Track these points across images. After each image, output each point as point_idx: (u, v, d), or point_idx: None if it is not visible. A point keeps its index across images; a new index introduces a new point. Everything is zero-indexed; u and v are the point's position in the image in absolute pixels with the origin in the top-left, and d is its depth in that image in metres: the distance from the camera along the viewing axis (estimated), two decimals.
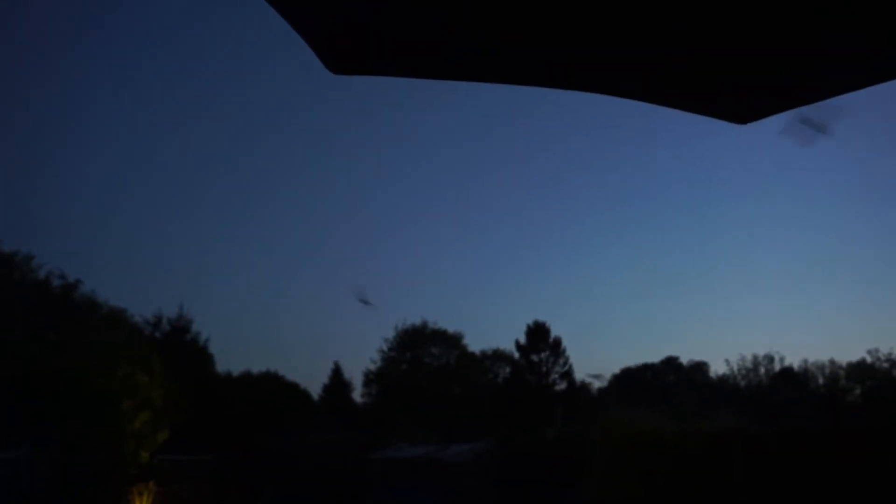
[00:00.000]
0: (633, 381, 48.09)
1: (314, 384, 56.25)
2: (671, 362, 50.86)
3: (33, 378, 19.97)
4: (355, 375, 49.11)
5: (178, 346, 36.78)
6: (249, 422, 31.74)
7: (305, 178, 56.48)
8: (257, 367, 43.03)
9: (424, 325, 46.58)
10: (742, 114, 2.35)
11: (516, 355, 43.73)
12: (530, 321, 43.49)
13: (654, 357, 53.42)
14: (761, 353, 45.59)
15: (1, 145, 47.26)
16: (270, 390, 38.34)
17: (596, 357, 63.19)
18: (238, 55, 51.55)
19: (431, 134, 57.42)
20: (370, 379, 45.99)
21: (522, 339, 42.98)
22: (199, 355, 38.42)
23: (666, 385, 47.47)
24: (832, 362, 44.96)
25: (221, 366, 41.13)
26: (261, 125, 53.93)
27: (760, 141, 44.36)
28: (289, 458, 23.84)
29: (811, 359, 46.11)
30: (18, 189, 47.82)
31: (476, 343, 58.69)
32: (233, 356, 69.04)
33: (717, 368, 50.68)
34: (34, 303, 33.83)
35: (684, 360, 51.28)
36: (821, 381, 45.08)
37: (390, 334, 46.55)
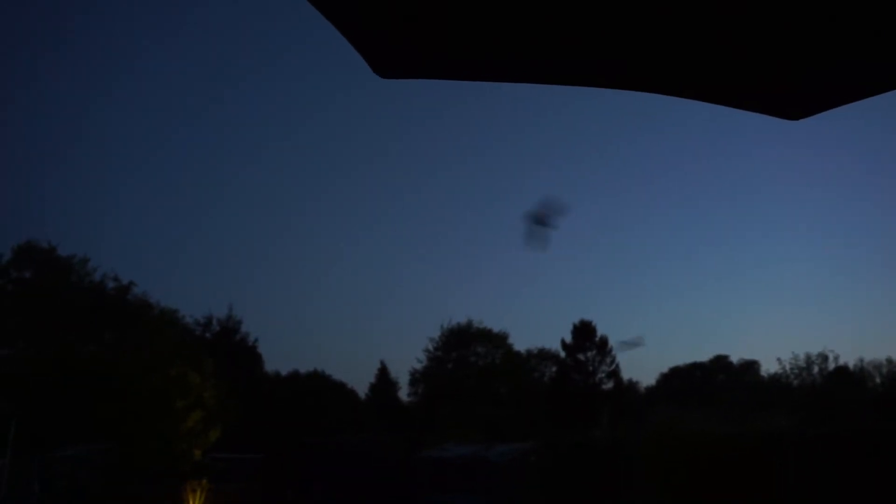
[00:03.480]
0: (682, 380, 47.40)
1: (361, 384, 56.75)
2: (721, 361, 49.97)
3: (91, 379, 20.53)
4: (401, 375, 49.37)
5: (228, 346, 37.46)
6: (298, 421, 32.16)
7: (350, 179, 57.01)
8: (305, 367, 43.59)
9: (470, 325, 46.61)
10: (794, 110, 2.31)
11: (562, 354, 43.49)
12: (576, 320, 43.24)
13: (704, 356, 52.63)
14: (815, 351, 44.43)
15: (54, 152, 48.64)
16: (318, 390, 38.79)
17: (644, 356, 62.44)
18: (286, 60, 52.23)
19: (473, 134, 57.42)
20: (416, 378, 46.20)
21: (568, 339, 42.74)
22: (249, 355, 39.07)
23: (715, 384, 46.66)
24: (889, 361, 43.68)
25: (270, 366, 41.82)
26: (307, 126, 54.55)
27: (813, 137, 43.40)
28: (337, 456, 24.07)
29: (867, 357, 44.87)
30: (72, 195, 49.19)
31: (521, 342, 58.60)
32: (281, 356, 69.99)
33: (769, 367, 49.69)
34: (90, 305, 34.75)
35: (734, 358, 50.38)
36: (878, 380, 43.82)
37: (436, 334, 46.73)
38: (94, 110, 48.83)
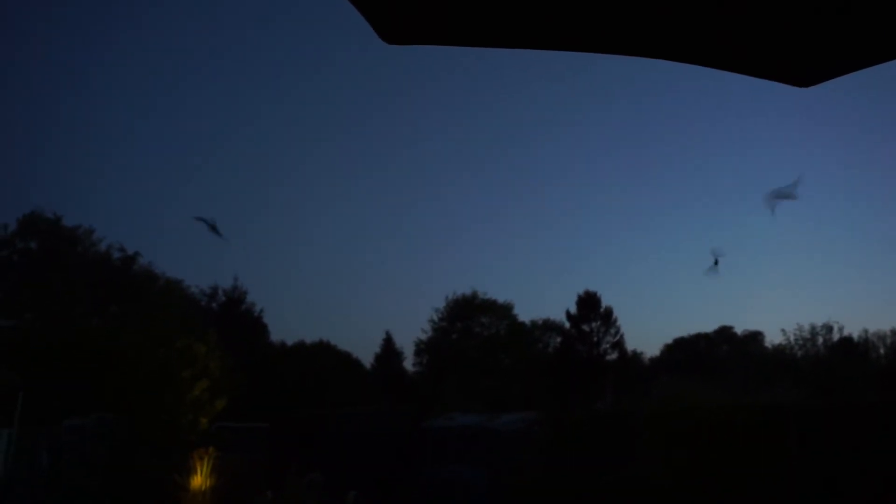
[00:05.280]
0: (686, 351, 47.58)
1: (366, 354, 57.06)
2: (725, 332, 50.10)
3: (97, 349, 20.67)
4: (406, 345, 49.62)
5: (234, 316, 37.68)
6: (303, 391, 32.41)
7: (354, 148, 56.83)
8: (310, 337, 43.80)
9: (474, 295, 46.72)
10: (805, 76, 2.28)
11: (567, 325, 43.63)
12: (581, 290, 43.32)
13: (708, 327, 52.71)
14: (819, 322, 44.50)
15: (57, 121, 48.54)
16: (323, 360, 39.01)
17: (648, 327, 62.60)
18: (291, 27, 51.77)
19: (482, 102, 57.06)
20: (421, 349, 46.43)
21: (573, 309, 42.84)
22: (254, 325, 39.31)
23: (720, 356, 46.83)
24: (894, 332, 43.73)
25: (275, 336, 42.06)
26: (311, 95, 54.23)
27: (822, 105, 43.02)
28: (341, 426, 24.27)
29: (872, 328, 44.92)
30: (77, 165, 49.19)
31: (526, 313, 58.74)
32: (286, 326, 70.32)
33: (773, 338, 49.72)
34: (96, 275, 34.92)
35: (739, 329, 50.49)
36: (882, 351, 43.89)
37: (441, 304, 46.88)
38: (99, 79, 48.61)
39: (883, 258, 55.47)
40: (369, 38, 1.96)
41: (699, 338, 49.63)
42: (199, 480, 17.55)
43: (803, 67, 2.23)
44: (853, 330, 46.94)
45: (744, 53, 2.21)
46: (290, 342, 41.98)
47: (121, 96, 49.57)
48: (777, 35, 2.10)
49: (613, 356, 42.30)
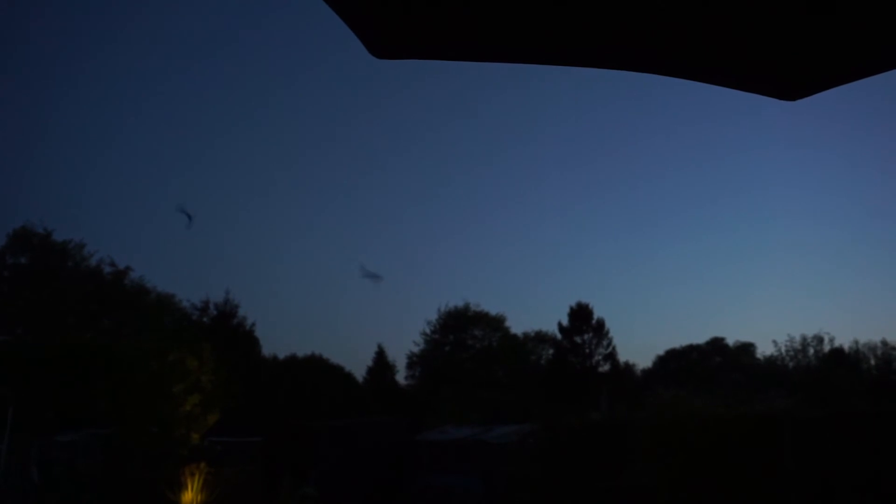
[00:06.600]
0: (678, 362, 47.60)
1: (358, 367, 56.87)
2: (717, 343, 50.14)
3: (88, 364, 20.54)
4: (399, 358, 49.50)
5: (226, 330, 37.51)
6: (295, 404, 32.27)
7: (345, 162, 56.84)
8: (302, 351, 43.64)
9: (467, 308, 46.68)
10: (792, 90, 2.29)
11: (559, 337, 43.63)
12: (573, 302, 43.36)
13: (700, 338, 52.77)
14: (810, 333, 44.67)
15: (48, 136, 48.43)
16: (315, 373, 38.88)
17: (640, 338, 62.63)
18: (280, 42, 51.91)
19: (471, 112, 57.19)
20: (413, 361, 46.32)
21: (565, 321, 42.85)
22: (246, 339, 39.13)
23: (712, 366, 46.87)
24: (884, 342, 43.91)
25: (268, 349, 41.90)
26: (301, 109, 54.28)
27: (811, 118, 43.35)
28: (334, 439, 24.16)
29: (862, 339, 45.12)
30: (67, 179, 49.05)
31: (518, 325, 58.69)
32: (278, 340, 70.07)
33: (765, 349, 49.83)
34: (87, 289, 34.77)
35: (730, 341, 50.54)
36: (872, 361, 44.05)
37: (433, 317, 46.81)
38: (88, 95, 48.56)
39: (873, 270, 55.75)
40: (359, 52, 1.97)
41: (691, 349, 49.67)
42: (189, 496, 17.42)
43: (790, 81, 2.24)
44: (844, 341, 47.18)
45: (730, 68, 2.23)
46: (282, 356, 41.88)
47: (112, 111, 49.55)
48: (763, 50, 2.12)
49: (606, 368, 42.31)
